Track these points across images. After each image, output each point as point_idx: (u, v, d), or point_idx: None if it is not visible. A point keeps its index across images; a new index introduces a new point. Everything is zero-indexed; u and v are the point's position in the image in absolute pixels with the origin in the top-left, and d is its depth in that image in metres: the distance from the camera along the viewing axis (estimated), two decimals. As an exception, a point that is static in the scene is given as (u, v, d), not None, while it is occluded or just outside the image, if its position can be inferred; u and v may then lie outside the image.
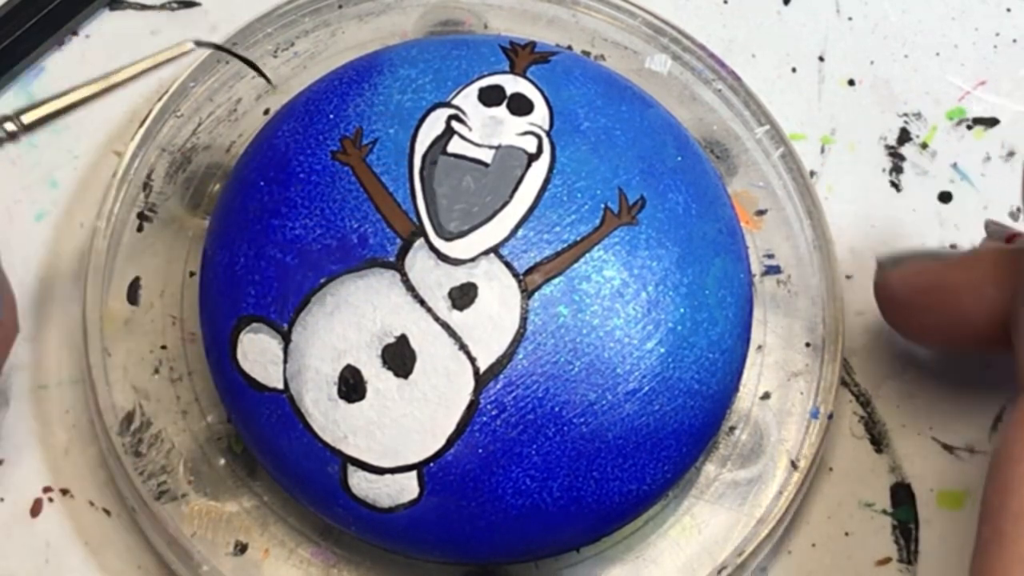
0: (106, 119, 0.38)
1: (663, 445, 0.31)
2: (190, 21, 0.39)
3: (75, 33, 0.39)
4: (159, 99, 0.36)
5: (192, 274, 0.35)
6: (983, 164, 0.39)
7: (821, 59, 0.40)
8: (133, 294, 0.35)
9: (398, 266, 0.30)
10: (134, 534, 0.34)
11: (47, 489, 0.35)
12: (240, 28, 0.37)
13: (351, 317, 0.30)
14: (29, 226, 0.37)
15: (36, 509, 0.35)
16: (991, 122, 0.40)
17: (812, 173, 0.39)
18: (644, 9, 0.38)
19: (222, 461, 0.34)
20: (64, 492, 0.35)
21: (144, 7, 0.39)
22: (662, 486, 0.32)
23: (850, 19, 0.40)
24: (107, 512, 0.35)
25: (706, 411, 0.32)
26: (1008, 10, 0.40)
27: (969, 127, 0.39)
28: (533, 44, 0.34)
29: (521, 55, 0.33)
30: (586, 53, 0.38)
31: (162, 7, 0.39)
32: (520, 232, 0.31)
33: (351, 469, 0.30)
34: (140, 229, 0.36)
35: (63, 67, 0.38)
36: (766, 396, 0.35)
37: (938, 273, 0.33)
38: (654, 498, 0.32)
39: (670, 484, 0.32)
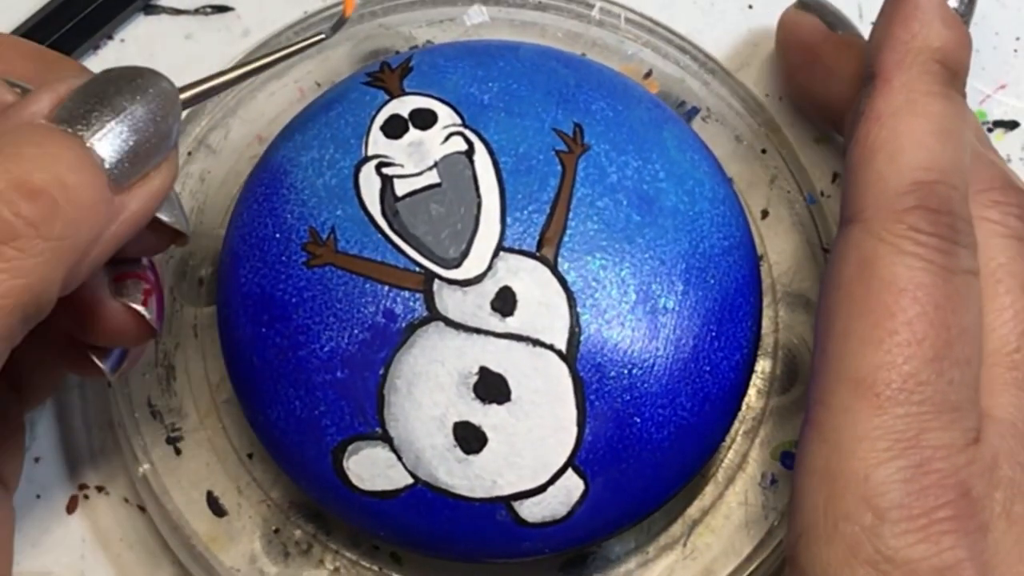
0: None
1: (733, 303, 0.32)
2: (223, 25, 0.39)
3: (110, 37, 0.39)
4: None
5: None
6: (1004, 166, 0.39)
7: (844, 63, 0.40)
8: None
9: (435, 316, 0.30)
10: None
11: (83, 486, 0.36)
12: (273, 34, 0.38)
13: (429, 384, 0.30)
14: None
15: (72, 506, 0.36)
16: (1011, 125, 0.40)
17: (835, 176, 0.39)
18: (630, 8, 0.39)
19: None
20: (100, 489, 0.36)
21: (178, 12, 0.39)
22: (753, 340, 0.33)
23: (872, 24, 0.40)
24: (141, 509, 0.35)
25: (748, 258, 0.33)
26: (1028, 14, 0.41)
27: (990, 130, 0.40)
28: (385, 63, 0.33)
29: (388, 78, 0.33)
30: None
31: (196, 12, 0.39)
32: (508, 219, 0.31)
33: (517, 504, 0.30)
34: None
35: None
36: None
37: (821, 36, 0.37)
38: (752, 360, 0.33)
39: (756, 337, 0.33)
